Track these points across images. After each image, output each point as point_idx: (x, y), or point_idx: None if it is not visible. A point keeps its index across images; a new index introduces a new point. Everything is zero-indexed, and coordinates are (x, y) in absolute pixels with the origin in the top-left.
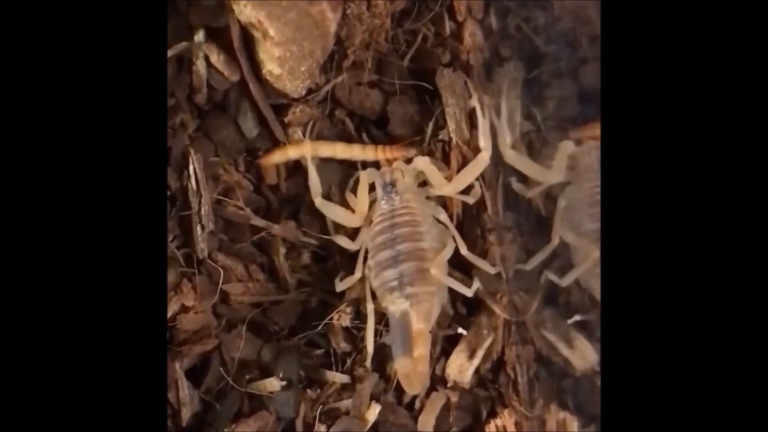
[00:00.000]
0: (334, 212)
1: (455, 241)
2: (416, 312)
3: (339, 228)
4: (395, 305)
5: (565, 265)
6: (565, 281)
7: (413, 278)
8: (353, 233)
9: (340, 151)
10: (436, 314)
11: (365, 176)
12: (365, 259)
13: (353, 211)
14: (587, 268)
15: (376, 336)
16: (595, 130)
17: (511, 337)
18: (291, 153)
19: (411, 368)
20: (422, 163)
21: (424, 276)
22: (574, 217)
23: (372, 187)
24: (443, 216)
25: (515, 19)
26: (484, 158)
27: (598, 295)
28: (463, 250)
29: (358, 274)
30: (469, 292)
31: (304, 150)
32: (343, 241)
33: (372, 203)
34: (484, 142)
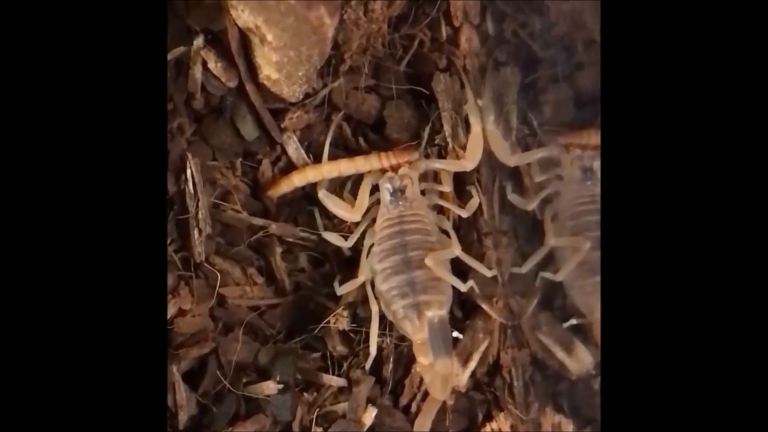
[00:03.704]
0: (334, 204)
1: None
2: (426, 321)
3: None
4: (432, 311)
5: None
6: (560, 276)
7: (426, 286)
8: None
9: (344, 167)
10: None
11: (370, 177)
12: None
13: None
14: (579, 259)
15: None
16: (582, 137)
17: (506, 341)
18: (296, 180)
19: (451, 369)
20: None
21: (436, 285)
22: (561, 226)
23: (373, 189)
24: (447, 224)
25: (512, 24)
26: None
27: (585, 309)
28: (457, 251)
29: (361, 278)
30: (463, 287)
31: (309, 175)
32: (334, 238)
33: (371, 205)
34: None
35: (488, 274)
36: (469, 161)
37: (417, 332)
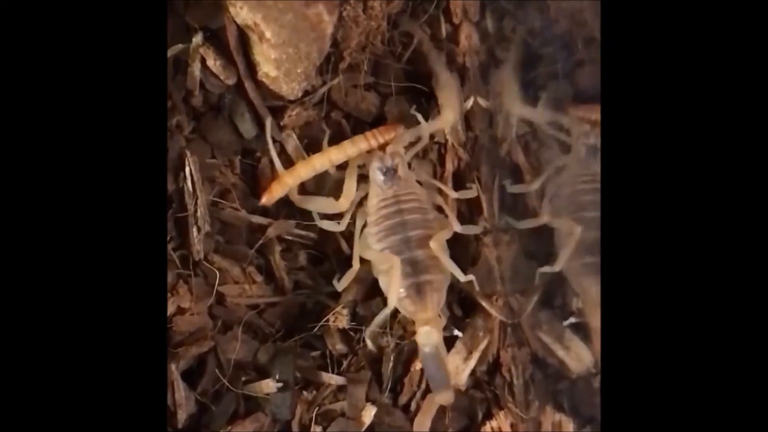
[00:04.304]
0: (315, 204)
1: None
2: (429, 300)
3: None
4: (423, 337)
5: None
6: (557, 266)
7: (428, 265)
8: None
9: (334, 156)
10: (442, 303)
11: (355, 161)
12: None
13: (336, 198)
14: (572, 247)
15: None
16: (593, 112)
17: (506, 339)
18: (290, 180)
19: (452, 398)
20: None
21: (437, 263)
22: (560, 203)
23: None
24: (439, 199)
25: (511, 21)
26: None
27: (578, 289)
28: (458, 228)
29: (356, 266)
30: (463, 278)
31: (301, 172)
32: (328, 225)
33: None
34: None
35: (478, 230)
36: (449, 112)
37: (420, 311)
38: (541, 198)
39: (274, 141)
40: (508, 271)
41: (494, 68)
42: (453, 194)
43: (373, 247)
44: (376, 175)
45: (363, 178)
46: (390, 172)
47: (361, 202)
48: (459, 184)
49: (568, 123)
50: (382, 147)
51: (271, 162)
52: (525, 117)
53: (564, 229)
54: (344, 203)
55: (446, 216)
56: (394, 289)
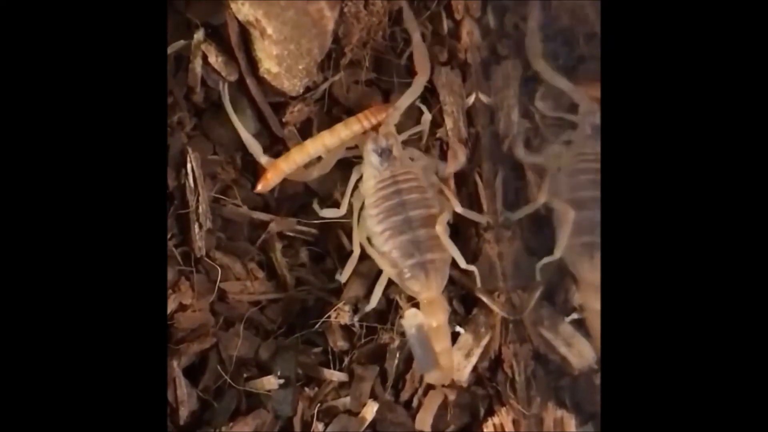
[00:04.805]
0: (287, 165)
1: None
2: (434, 279)
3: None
4: (408, 320)
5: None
6: (557, 253)
7: (430, 245)
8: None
9: (328, 140)
10: (445, 282)
11: (350, 140)
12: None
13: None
14: (568, 232)
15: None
16: (595, 90)
17: (508, 336)
18: (285, 166)
19: (445, 378)
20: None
21: (438, 243)
22: (560, 182)
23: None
24: (436, 180)
25: (513, 17)
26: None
27: (573, 269)
28: (458, 208)
29: (356, 251)
30: (464, 264)
31: (296, 158)
32: (329, 213)
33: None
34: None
35: (483, 220)
36: (421, 74)
37: (425, 290)
38: (541, 178)
39: (277, 137)
40: (509, 268)
41: (495, 65)
42: (450, 167)
43: (374, 229)
44: (372, 157)
45: (358, 161)
46: (385, 153)
47: (356, 186)
48: (461, 180)
49: (578, 98)
50: (375, 129)
51: (273, 153)
52: (544, 75)
53: (560, 212)
54: (313, 173)
55: (446, 198)
56: (378, 291)
